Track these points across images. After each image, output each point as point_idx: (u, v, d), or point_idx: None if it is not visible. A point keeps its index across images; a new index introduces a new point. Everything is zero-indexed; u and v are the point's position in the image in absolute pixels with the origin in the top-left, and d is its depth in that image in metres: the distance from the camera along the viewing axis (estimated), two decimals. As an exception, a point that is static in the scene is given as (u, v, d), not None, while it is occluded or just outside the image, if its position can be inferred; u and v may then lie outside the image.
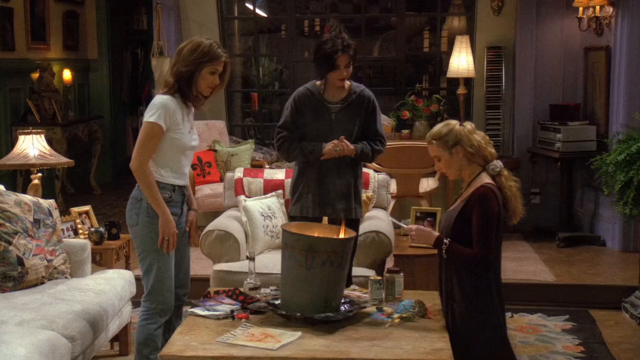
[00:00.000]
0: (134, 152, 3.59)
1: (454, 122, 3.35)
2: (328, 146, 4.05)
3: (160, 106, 3.57)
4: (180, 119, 3.62)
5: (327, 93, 4.13)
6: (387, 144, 4.33)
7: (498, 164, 3.30)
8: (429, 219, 5.07)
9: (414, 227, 3.43)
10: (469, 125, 3.34)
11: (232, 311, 3.45)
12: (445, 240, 3.25)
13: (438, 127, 3.36)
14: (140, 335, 3.68)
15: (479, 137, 3.31)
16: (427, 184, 6.54)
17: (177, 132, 3.61)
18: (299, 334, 3.19)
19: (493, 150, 3.34)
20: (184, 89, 3.62)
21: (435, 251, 4.21)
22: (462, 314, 3.25)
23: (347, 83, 4.15)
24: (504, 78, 7.30)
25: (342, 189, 4.14)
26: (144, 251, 3.68)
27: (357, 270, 4.43)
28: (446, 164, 3.33)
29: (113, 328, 4.20)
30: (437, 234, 3.32)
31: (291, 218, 4.24)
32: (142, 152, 3.57)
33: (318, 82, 4.15)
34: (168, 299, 3.69)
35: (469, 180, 3.32)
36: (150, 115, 3.57)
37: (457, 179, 3.41)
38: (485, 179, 3.26)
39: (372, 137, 4.18)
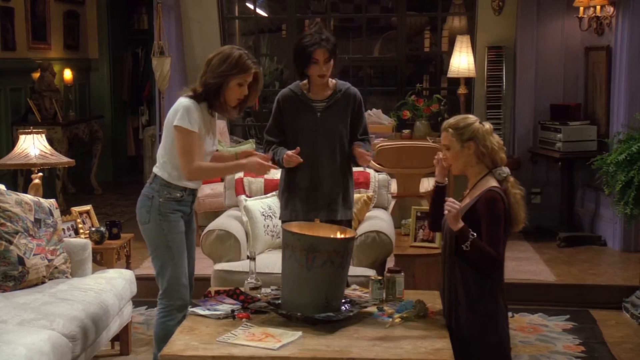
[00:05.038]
0: (180, 163, 3.61)
1: (474, 118, 3.33)
2: (287, 157, 3.92)
3: (185, 110, 3.59)
4: (202, 124, 3.64)
5: (311, 92, 4.07)
6: (388, 144, 4.32)
7: (506, 170, 3.29)
8: (429, 219, 5.06)
9: (452, 200, 3.18)
10: (487, 125, 3.32)
11: (232, 311, 3.45)
12: (472, 234, 3.12)
13: (458, 118, 3.34)
14: (159, 331, 3.72)
15: (495, 140, 3.30)
16: (427, 184, 6.53)
17: (200, 137, 3.63)
18: (299, 333, 3.19)
19: (504, 156, 3.32)
20: (211, 99, 3.63)
21: (436, 251, 4.22)
22: (467, 317, 3.22)
23: (332, 81, 4.09)
24: (504, 78, 7.29)
25: (334, 192, 4.08)
26: (155, 249, 3.71)
27: (357, 270, 4.43)
28: (454, 156, 3.31)
29: (114, 328, 4.20)
30: (463, 223, 3.16)
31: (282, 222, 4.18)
32: (187, 157, 3.58)
33: (301, 83, 4.10)
34: (184, 294, 3.72)
35: (475, 181, 3.31)
36: (178, 118, 3.59)
37: (459, 174, 3.39)
38: (492, 182, 3.25)
39: (362, 137, 4.13)
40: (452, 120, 3.35)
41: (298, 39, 4.04)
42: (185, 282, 3.73)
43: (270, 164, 3.78)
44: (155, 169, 3.74)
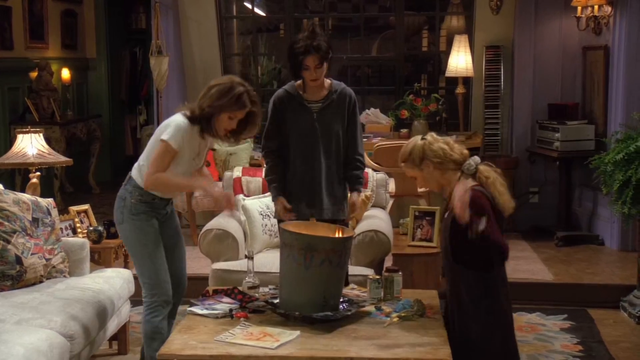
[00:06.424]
0: (147, 169, 3.62)
1: (414, 139, 3.35)
2: (279, 208, 4.05)
3: (176, 127, 3.58)
4: (188, 146, 3.63)
5: (306, 93, 4.05)
6: (386, 143, 4.30)
7: (472, 161, 3.24)
8: (427, 218, 5.07)
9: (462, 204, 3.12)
10: (429, 136, 3.32)
11: (230, 310, 3.46)
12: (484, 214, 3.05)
13: (403, 148, 3.37)
14: (147, 328, 3.73)
15: (442, 143, 3.28)
16: (425, 183, 6.53)
17: (180, 156, 3.62)
18: (297, 332, 3.19)
19: (464, 151, 3.29)
20: (204, 124, 3.63)
21: (434, 250, 4.21)
22: (470, 316, 3.18)
23: (328, 81, 4.08)
24: (502, 77, 7.30)
25: (332, 191, 4.08)
26: (132, 248, 3.76)
27: (355, 270, 4.43)
28: (422, 180, 3.33)
29: (112, 327, 4.20)
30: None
31: (279, 220, 4.18)
32: (154, 167, 3.60)
33: (296, 83, 4.08)
34: (166, 289, 3.74)
35: (452, 187, 3.26)
36: (166, 133, 3.58)
37: (440, 190, 3.36)
38: (469, 182, 3.20)
39: (351, 152, 4.10)
40: (400, 152, 3.38)
41: (290, 43, 3.99)
42: (165, 277, 3.74)
43: (232, 201, 3.80)
44: (132, 171, 3.76)
